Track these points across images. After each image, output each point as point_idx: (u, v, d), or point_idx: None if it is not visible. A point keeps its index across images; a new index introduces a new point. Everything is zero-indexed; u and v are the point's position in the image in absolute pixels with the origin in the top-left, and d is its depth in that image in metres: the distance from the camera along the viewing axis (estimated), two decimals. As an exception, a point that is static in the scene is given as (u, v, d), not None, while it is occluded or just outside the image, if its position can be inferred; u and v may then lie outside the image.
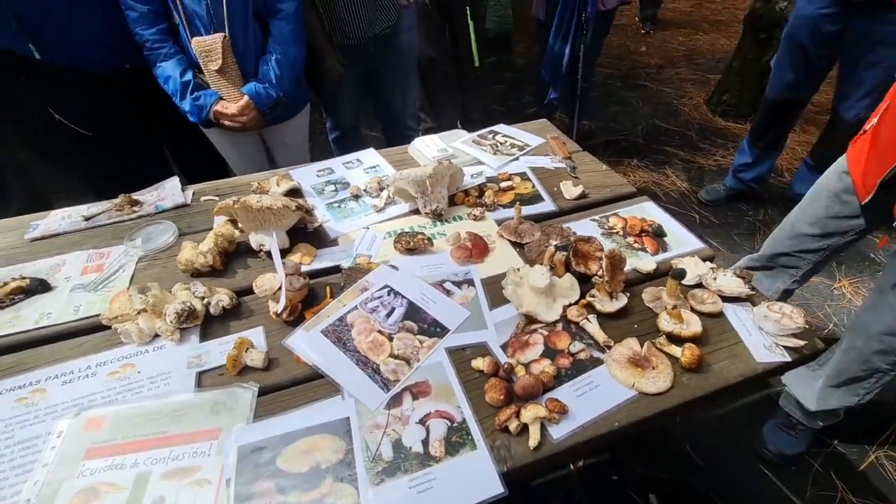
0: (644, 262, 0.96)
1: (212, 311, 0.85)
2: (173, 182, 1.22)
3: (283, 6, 1.40)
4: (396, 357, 0.79)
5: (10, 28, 1.32)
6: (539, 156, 1.32)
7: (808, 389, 1.39)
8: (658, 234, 1.04)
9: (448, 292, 0.92)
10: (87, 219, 1.12)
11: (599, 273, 0.87)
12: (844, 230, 1.23)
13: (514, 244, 1.02)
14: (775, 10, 2.64)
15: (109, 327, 0.85)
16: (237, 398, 0.74)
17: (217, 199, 1.18)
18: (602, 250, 0.91)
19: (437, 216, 1.09)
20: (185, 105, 1.38)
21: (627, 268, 0.94)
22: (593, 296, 0.87)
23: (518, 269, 0.90)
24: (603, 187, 1.19)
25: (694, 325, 0.81)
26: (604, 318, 0.86)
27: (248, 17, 1.38)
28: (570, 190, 1.16)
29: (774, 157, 2.40)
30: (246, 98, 1.38)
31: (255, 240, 0.98)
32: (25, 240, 1.08)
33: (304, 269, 0.95)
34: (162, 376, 0.78)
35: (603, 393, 0.74)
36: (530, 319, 0.85)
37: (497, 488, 0.63)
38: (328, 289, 0.92)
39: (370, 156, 1.34)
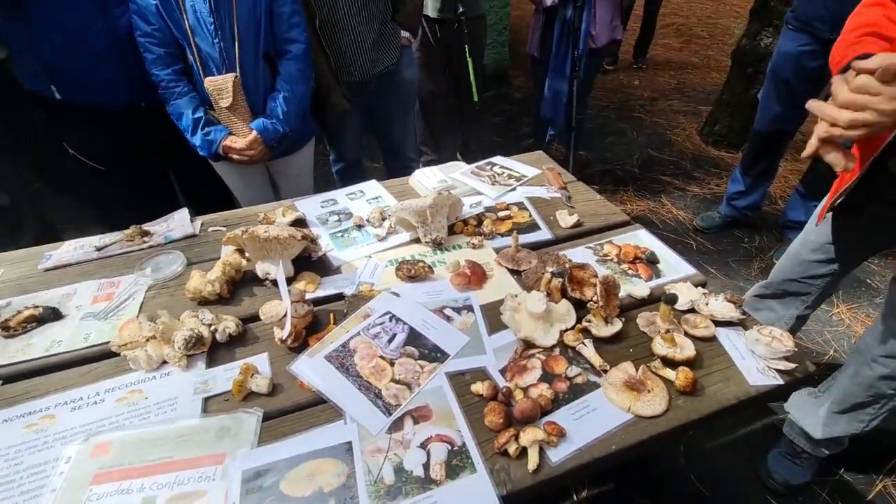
0: (638, 287, 0.99)
1: (218, 337, 0.88)
2: (182, 213, 1.27)
3: (292, 48, 1.49)
4: (398, 382, 0.81)
5: (34, 71, 1.40)
6: (536, 186, 1.37)
7: (813, 417, 1.38)
8: (651, 260, 1.07)
9: (448, 318, 0.94)
10: (99, 249, 1.16)
11: (594, 299, 0.90)
12: (850, 254, 1.25)
13: (512, 271, 1.05)
14: (760, 46, 2.76)
15: (118, 354, 0.87)
16: (242, 423, 0.76)
17: (224, 229, 1.22)
18: (596, 276, 0.94)
19: (437, 245, 1.12)
20: (196, 140, 1.45)
21: (622, 293, 0.97)
22: (589, 321, 0.90)
23: (516, 296, 0.93)
24: (597, 216, 1.24)
25: (687, 349, 0.83)
26: (599, 342, 0.88)
27: (259, 58, 1.46)
28: (566, 219, 1.20)
29: (767, 186, 2.46)
30: (254, 133, 1.45)
31: (261, 268, 1.01)
32: (39, 270, 1.11)
33: (308, 296, 0.98)
34: (169, 402, 0.79)
35: (600, 416, 0.76)
36: (528, 344, 0.88)
37: (497, 511, 0.64)
38: (332, 315, 0.94)
39: (372, 187, 1.39)
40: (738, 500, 1.45)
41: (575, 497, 0.83)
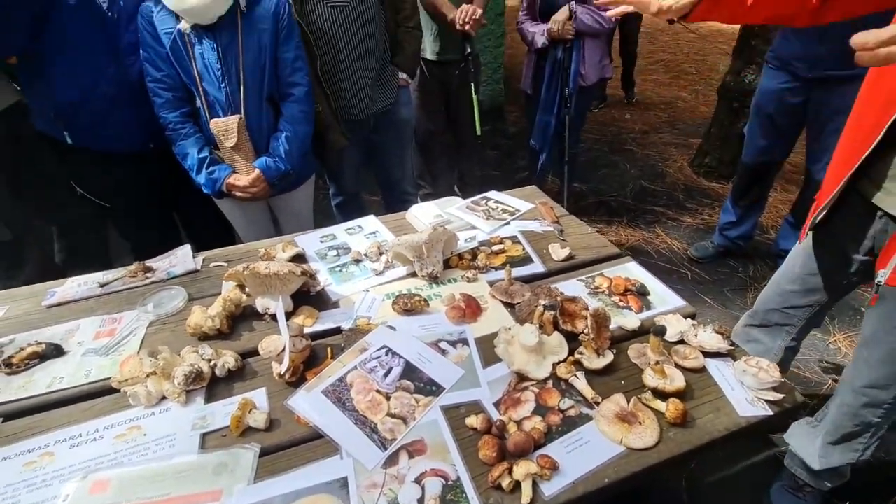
0: (629, 319, 1.01)
1: (217, 373, 0.90)
2: (185, 249, 1.30)
3: (295, 91, 1.56)
4: (393, 416, 0.82)
5: (48, 117, 1.47)
6: (529, 220, 1.41)
7: (811, 448, 1.38)
8: (641, 292, 1.10)
9: (443, 351, 0.96)
10: (102, 285, 1.18)
11: (586, 331, 0.92)
12: (826, 287, 1.27)
13: (506, 304, 1.08)
14: (744, 82, 2.88)
15: (119, 390, 0.88)
16: (239, 459, 0.77)
17: (226, 265, 1.25)
18: (587, 309, 0.97)
19: (433, 279, 1.15)
20: (201, 178, 1.50)
21: (613, 325, 0.99)
22: (581, 353, 0.92)
23: (509, 329, 0.95)
24: (589, 249, 1.27)
25: (677, 381, 0.84)
26: (592, 374, 0.89)
27: (263, 101, 1.53)
28: (558, 252, 1.23)
29: (757, 216, 2.51)
30: (257, 171, 1.50)
31: (261, 303, 1.04)
32: (43, 306, 1.14)
33: (306, 330, 1.01)
34: (167, 438, 0.80)
35: (592, 449, 0.77)
36: (522, 377, 0.89)
37: (491, 547, 0.64)
38: (329, 350, 0.96)
39: (370, 222, 1.43)
40: (742, 536, 1.43)
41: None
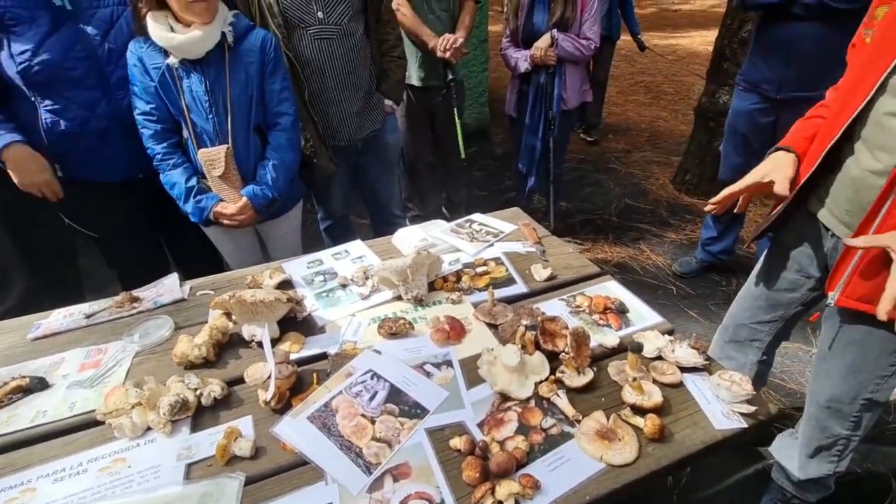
0: (608, 337, 1.04)
1: (203, 402, 0.90)
2: (172, 278, 1.31)
3: (281, 120, 1.60)
4: (378, 440, 0.83)
5: (41, 152, 1.49)
6: (512, 241, 1.44)
7: (792, 459, 1.39)
8: (620, 310, 1.13)
9: (428, 374, 0.98)
10: (88, 316, 1.19)
11: (566, 350, 0.95)
12: (787, 302, 1.32)
13: (490, 325, 1.10)
14: (718, 103, 2.99)
15: (103, 422, 0.88)
16: (224, 489, 0.77)
17: (213, 293, 1.27)
18: (567, 328, 0.99)
19: (418, 302, 1.18)
20: (188, 207, 1.52)
21: (593, 343, 1.02)
22: (562, 372, 0.94)
23: (492, 350, 0.97)
24: (570, 268, 1.31)
25: (655, 396, 0.87)
26: (573, 392, 0.91)
27: (250, 131, 1.57)
28: (540, 272, 1.26)
29: (737, 230, 2.58)
30: (244, 199, 1.52)
31: (247, 331, 1.05)
32: (27, 339, 1.13)
33: (292, 356, 1.02)
34: (152, 470, 0.80)
35: (574, 467, 0.78)
36: (504, 397, 0.91)
37: (474, 569, 0.65)
38: (315, 375, 0.97)
39: (357, 247, 1.46)
40: (733, 552, 1.43)
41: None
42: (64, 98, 1.44)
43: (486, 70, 4.31)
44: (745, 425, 0.84)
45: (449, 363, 1.00)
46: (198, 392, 0.90)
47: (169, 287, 1.28)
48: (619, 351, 1.02)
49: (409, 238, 1.45)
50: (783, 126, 2.10)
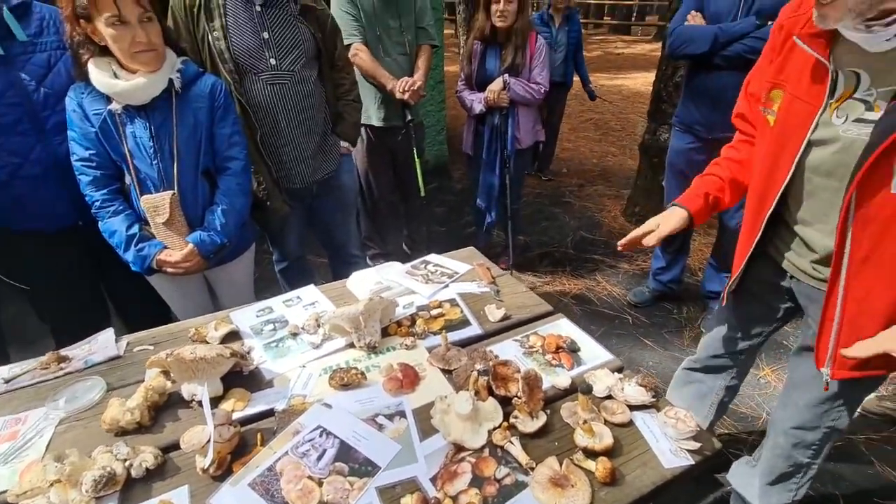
0: (561, 378, 1.04)
1: (133, 473, 0.83)
2: (107, 334, 1.23)
3: (232, 164, 1.58)
4: (326, 504, 0.79)
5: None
6: (467, 282, 1.45)
7: (751, 488, 1.43)
8: (572, 349, 1.15)
9: (380, 426, 0.95)
10: (7, 381, 1.09)
11: (518, 394, 0.94)
12: (757, 333, 1.38)
13: (444, 371, 1.09)
14: (660, 140, 3.19)
15: (16, 504, 0.80)
16: (152, 573, 0.70)
17: (152, 348, 1.19)
18: (519, 371, 1.00)
19: (372, 349, 1.15)
20: (129, 256, 1.45)
21: (546, 385, 1.02)
22: (516, 417, 0.93)
23: (445, 398, 0.96)
24: (523, 308, 1.32)
25: (606, 438, 0.87)
26: (526, 438, 0.91)
27: (198, 175, 1.53)
28: (494, 313, 1.27)
29: (684, 260, 2.71)
30: (191, 246, 1.47)
31: (187, 390, 0.99)
32: (-65, 410, 1.02)
33: (236, 415, 0.97)
34: (69, 557, 0.73)
35: (528, 519, 0.77)
36: (458, 447, 0.89)
37: None
38: (259, 435, 0.92)
39: (309, 292, 1.43)
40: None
41: None
42: None
43: (443, 109, 4.45)
44: (693, 462, 0.85)
45: (402, 413, 0.97)
46: (127, 463, 0.83)
47: (103, 344, 1.20)
48: (571, 391, 1.03)
49: (364, 281, 1.44)
50: (717, 163, 2.27)
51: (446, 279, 1.46)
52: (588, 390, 0.94)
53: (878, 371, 0.98)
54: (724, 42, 2.01)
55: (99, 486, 0.78)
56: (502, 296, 1.39)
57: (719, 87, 2.07)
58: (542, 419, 0.92)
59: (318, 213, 2.11)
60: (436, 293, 1.39)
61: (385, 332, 1.22)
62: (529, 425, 0.91)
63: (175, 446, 0.91)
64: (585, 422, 0.89)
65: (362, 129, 2.68)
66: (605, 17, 20.10)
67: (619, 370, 1.09)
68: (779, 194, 1.04)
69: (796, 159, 0.98)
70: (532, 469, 0.84)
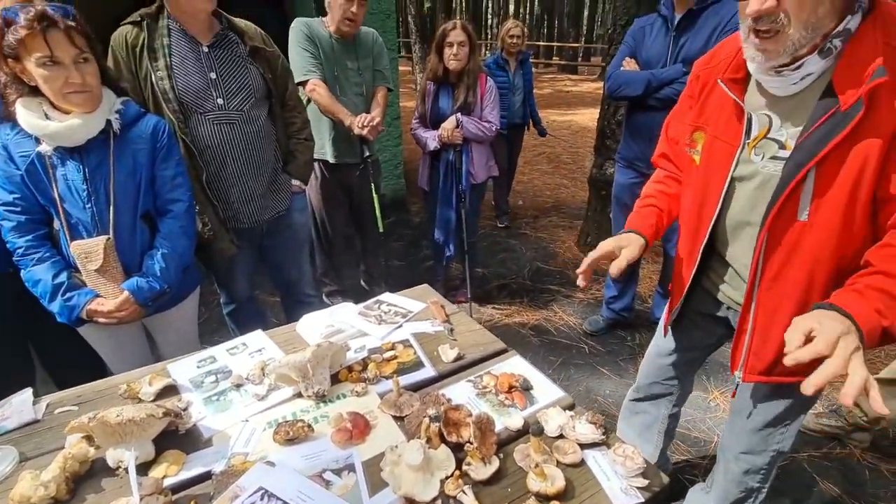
0: (513, 419, 1.04)
1: (44, 558, 0.74)
2: (23, 396, 1.12)
3: (174, 207, 1.52)
4: (265, 576, 0.73)
5: None
6: (421, 321, 1.44)
7: None
8: (525, 387, 1.15)
9: (328, 483, 0.90)
10: None
11: (470, 440, 0.93)
12: (692, 359, 1.45)
13: (396, 417, 1.06)
14: (606, 174, 3.36)
15: None
16: None
17: (76, 408, 1.09)
18: (471, 416, 0.98)
19: (320, 398, 1.11)
20: (55, 307, 1.35)
21: (499, 426, 1.01)
22: (468, 464, 0.91)
23: (395, 448, 0.93)
24: (477, 346, 1.32)
25: (558, 481, 0.87)
26: (479, 486, 0.89)
27: (136, 219, 1.46)
28: (448, 353, 1.26)
29: (634, 288, 2.82)
30: (126, 294, 1.38)
31: (112, 456, 0.91)
32: None
33: (169, 481, 0.89)
34: None
35: (480, 576, 0.74)
36: (409, 501, 0.86)
37: None
38: (193, 503, 0.85)
39: (256, 339, 1.36)
40: None
41: None
42: None
43: (400, 144, 4.52)
44: (643, 499, 0.86)
45: (351, 467, 0.93)
46: (37, 547, 0.74)
47: (18, 407, 1.08)
48: (524, 433, 1.02)
49: (315, 325, 1.40)
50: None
51: (400, 319, 1.44)
52: (539, 432, 0.94)
53: (786, 378, 1.07)
54: (657, 86, 2.18)
55: (-1, 578, 0.69)
56: (456, 334, 1.38)
57: (655, 125, 2.22)
58: (495, 464, 0.91)
59: (268, 253, 2.06)
60: (389, 334, 1.37)
61: (335, 379, 1.18)
62: (482, 472, 0.89)
63: (96, 522, 0.82)
64: (538, 465, 0.88)
65: (317, 166, 2.67)
66: (553, 58, 21.36)
67: (571, 407, 1.09)
68: (710, 228, 1.11)
69: (722, 194, 1.06)
70: (485, 519, 0.82)
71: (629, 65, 2.31)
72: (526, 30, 3.95)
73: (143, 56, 1.60)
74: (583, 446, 0.96)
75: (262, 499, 0.85)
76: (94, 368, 1.61)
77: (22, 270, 1.36)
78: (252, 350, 1.31)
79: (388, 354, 1.26)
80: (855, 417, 1.98)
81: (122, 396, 1.11)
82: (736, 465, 1.30)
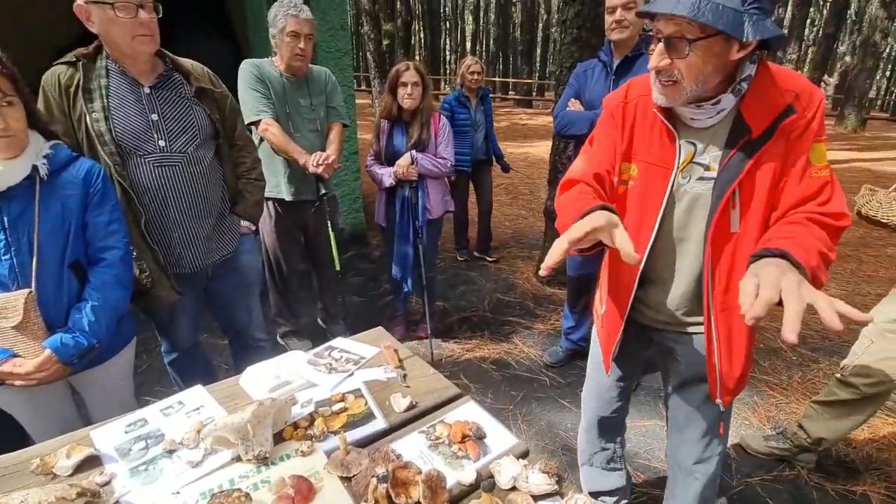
0: (466, 472, 1.00)
1: None
2: (-84, 479, 0.99)
3: (107, 255, 1.43)
4: None
5: None
6: (374, 367, 1.40)
7: None
8: (479, 436, 1.12)
9: (265, 560, 0.83)
10: None
11: (420, 501, 0.89)
12: (630, 385, 1.52)
13: (343, 478, 1.00)
14: (560, 207, 3.47)
15: None
16: None
17: (-22, 490, 0.97)
18: (420, 473, 0.95)
19: (262, 461, 1.04)
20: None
21: (451, 481, 0.97)
22: (418, 527, 0.87)
23: (340, 514, 0.87)
24: (430, 393, 1.29)
25: (511, 540, 0.84)
26: (430, 552, 0.84)
27: (64, 269, 1.36)
28: (400, 402, 1.22)
29: (591, 319, 2.87)
30: (47, 352, 1.27)
31: (14, 548, 0.80)
32: None
33: (81, 573, 0.79)
34: None
35: None
36: (354, 575, 0.80)
37: None
38: None
39: (194, 396, 1.27)
40: None
41: None
42: None
43: (359, 178, 4.51)
44: (596, 554, 0.84)
45: (292, 539, 0.87)
46: None
47: None
48: (477, 486, 0.99)
49: (260, 377, 1.32)
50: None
51: (351, 366, 1.39)
52: (490, 487, 0.91)
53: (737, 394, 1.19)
54: (600, 126, 2.29)
55: None
56: (410, 380, 1.35)
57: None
58: (443, 525, 0.87)
59: (214, 297, 1.96)
60: (339, 384, 1.31)
61: (279, 437, 1.11)
62: (432, 535, 0.85)
63: None
64: (488, 525, 0.85)
65: (270, 204, 2.62)
66: (509, 92, 22.29)
67: (525, 454, 1.07)
68: (647, 252, 1.17)
69: (659, 217, 1.14)
70: (434, 590, 0.77)
71: (574, 105, 2.43)
72: (484, 66, 4.04)
73: (78, 97, 1.54)
74: (536, 497, 0.94)
75: (188, 586, 0.77)
76: (13, 436, 1.45)
77: (-77, 331, 1.22)
78: (189, 409, 1.22)
79: (337, 407, 1.21)
80: (799, 439, 2.06)
81: (35, 473, 1.00)
82: (693, 477, 1.37)
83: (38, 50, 2.31)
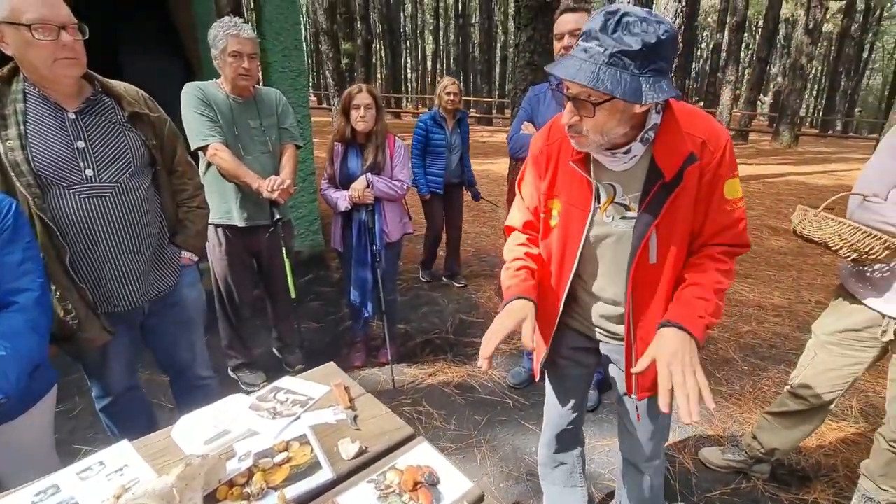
0: (417, 525, 0.94)
1: None
2: None
3: (20, 298, 1.28)
4: None
5: None
6: (322, 409, 1.32)
7: None
8: (431, 483, 1.06)
9: None
10: None
11: (364, 565, 0.82)
12: (582, 392, 1.59)
13: (282, 542, 0.92)
14: (519, 226, 3.50)
15: None
16: None
17: None
18: (366, 533, 0.88)
19: (190, 528, 0.94)
20: None
21: (402, 538, 0.91)
22: None
23: (275, 588, 0.79)
24: (382, 435, 1.22)
25: None
26: None
27: (-34, 316, 1.21)
28: (349, 448, 1.15)
29: (551, 338, 2.88)
30: (-57, 414, 1.12)
31: None
32: None
33: None
34: None
35: None
36: None
37: None
38: None
39: (118, 454, 1.15)
40: None
41: None
42: None
43: (316, 199, 4.40)
44: None
45: None
46: None
47: None
48: (429, 540, 0.93)
49: (195, 428, 1.22)
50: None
51: (298, 409, 1.31)
52: (441, 544, 0.85)
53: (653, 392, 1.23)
54: (552, 149, 2.34)
55: None
56: (360, 421, 1.27)
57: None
58: (394, 591, 0.80)
59: (152, 335, 1.82)
60: (283, 430, 1.22)
61: (212, 499, 1.01)
62: None
63: None
64: (438, 589, 0.79)
65: (220, 230, 2.50)
66: (470, 110, 22.70)
67: (480, 499, 1.02)
68: (571, 276, 1.28)
69: (579, 251, 1.25)
70: None
71: (527, 128, 2.46)
72: (461, 87, 3.84)
73: (-10, 125, 1.40)
74: (491, 550, 0.89)
75: None
76: None
77: None
78: (111, 470, 1.09)
79: (279, 458, 1.12)
80: (753, 450, 2.10)
81: (-86, 563, 0.86)
82: (646, 472, 1.49)
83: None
